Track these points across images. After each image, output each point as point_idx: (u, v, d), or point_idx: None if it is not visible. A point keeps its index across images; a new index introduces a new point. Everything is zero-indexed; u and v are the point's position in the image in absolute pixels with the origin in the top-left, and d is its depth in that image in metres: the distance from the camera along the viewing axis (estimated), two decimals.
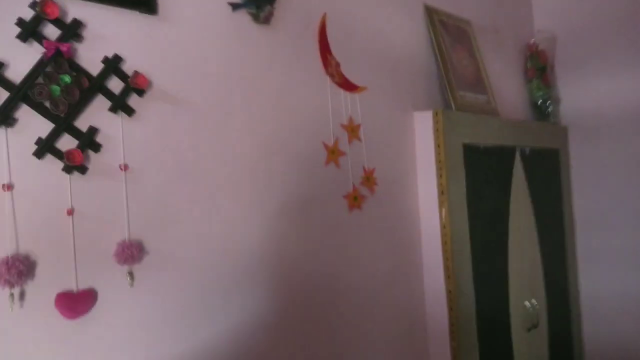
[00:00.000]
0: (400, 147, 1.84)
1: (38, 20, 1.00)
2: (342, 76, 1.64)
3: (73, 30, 1.04)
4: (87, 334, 1.04)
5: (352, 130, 1.65)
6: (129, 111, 1.13)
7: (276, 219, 1.42)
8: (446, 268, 1.81)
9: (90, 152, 1.07)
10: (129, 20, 1.15)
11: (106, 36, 1.11)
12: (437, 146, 1.82)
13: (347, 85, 1.66)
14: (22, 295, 0.97)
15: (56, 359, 1.00)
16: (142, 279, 1.13)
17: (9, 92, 0.96)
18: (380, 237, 1.74)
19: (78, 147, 1.04)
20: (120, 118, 1.12)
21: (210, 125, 1.28)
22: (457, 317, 1.79)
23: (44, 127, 1.01)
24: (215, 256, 1.27)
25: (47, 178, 1.01)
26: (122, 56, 1.12)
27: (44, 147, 1.00)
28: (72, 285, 1.03)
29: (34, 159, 0.99)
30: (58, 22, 1.03)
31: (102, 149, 1.09)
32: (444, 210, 1.81)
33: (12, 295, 0.93)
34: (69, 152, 1.02)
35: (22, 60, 0.99)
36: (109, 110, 1.10)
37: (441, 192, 1.81)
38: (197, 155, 1.25)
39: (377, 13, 1.80)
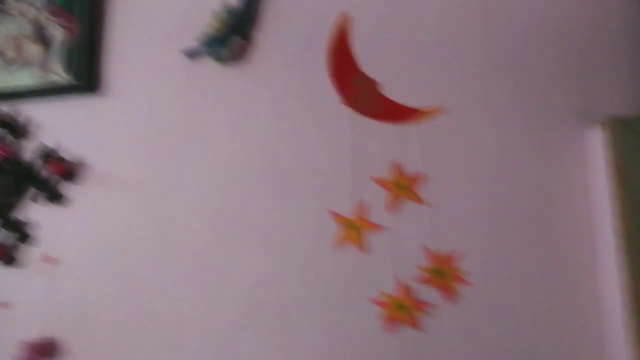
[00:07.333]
0: (544, 200, 0.92)
1: None
2: (383, 101, 1.00)
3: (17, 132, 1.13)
4: None
5: (401, 186, 0.96)
6: (63, 200, 1.10)
7: (230, 332, 0.99)
8: None
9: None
10: (73, 106, 1.13)
11: (53, 127, 1.13)
12: (612, 191, 0.80)
13: (394, 113, 0.99)
14: None
15: None
16: None
17: None
18: None
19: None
20: (56, 208, 1.10)
21: (152, 203, 1.06)
22: None
23: None
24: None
25: None
26: (61, 145, 1.12)
27: None
28: None
29: None
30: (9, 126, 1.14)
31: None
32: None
33: None
34: None
35: None
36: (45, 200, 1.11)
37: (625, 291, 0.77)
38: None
39: None
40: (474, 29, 0.98)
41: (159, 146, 1.08)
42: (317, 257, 0.98)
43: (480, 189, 0.94)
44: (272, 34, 1.07)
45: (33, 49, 1.15)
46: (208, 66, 1.08)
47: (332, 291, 0.96)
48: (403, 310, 0.92)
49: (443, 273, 0.92)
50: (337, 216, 0.98)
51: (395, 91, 1.00)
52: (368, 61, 1.02)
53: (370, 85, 1.01)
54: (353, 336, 0.94)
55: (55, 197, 1.10)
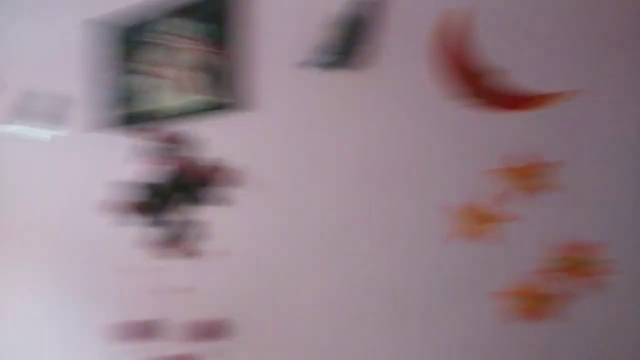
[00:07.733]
0: None
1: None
2: (505, 90, 0.98)
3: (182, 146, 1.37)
4: None
5: (527, 174, 0.94)
6: (227, 202, 1.31)
7: (351, 323, 1.08)
8: None
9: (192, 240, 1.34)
10: (229, 122, 1.33)
11: (215, 141, 1.35)
12: None
13: (518, 101, 0.97)
14: None
15: None
16: None
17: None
18: None
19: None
20: (220, 209, 1.32)
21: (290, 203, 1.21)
22: None
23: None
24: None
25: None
26: (219, 157, 1.33)
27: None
28: None
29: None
30: (180, 143, 1.39)
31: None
32: None
33: None
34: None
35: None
36: (206, 204, 1.33)
37: None
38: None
39: None
40: (604, 6, 0.91)
41: (299, 152, 1.22)
42: (434, 252, 1.01)
43: (618, 175, 0.88)
44: (391, 36, 1.12)
45: (194, 76, 1.38)
46: (334, 74, 1.18)
47: (450, 285, 0.99)
48: (537, 302, 0.91)
49: (581, 262, 0.89)
50: (451, 209, 1.00)
51: (525, 77, 0.97)
52: (494, 48, 1.00)
53: (489, 76, 1.01)
54: (471, 331, 0.96)
55: (220, 200, 1.31)
